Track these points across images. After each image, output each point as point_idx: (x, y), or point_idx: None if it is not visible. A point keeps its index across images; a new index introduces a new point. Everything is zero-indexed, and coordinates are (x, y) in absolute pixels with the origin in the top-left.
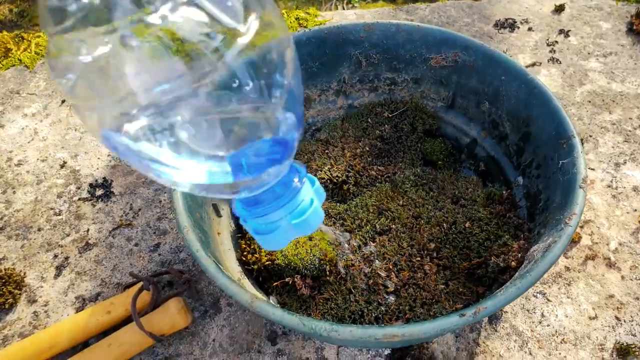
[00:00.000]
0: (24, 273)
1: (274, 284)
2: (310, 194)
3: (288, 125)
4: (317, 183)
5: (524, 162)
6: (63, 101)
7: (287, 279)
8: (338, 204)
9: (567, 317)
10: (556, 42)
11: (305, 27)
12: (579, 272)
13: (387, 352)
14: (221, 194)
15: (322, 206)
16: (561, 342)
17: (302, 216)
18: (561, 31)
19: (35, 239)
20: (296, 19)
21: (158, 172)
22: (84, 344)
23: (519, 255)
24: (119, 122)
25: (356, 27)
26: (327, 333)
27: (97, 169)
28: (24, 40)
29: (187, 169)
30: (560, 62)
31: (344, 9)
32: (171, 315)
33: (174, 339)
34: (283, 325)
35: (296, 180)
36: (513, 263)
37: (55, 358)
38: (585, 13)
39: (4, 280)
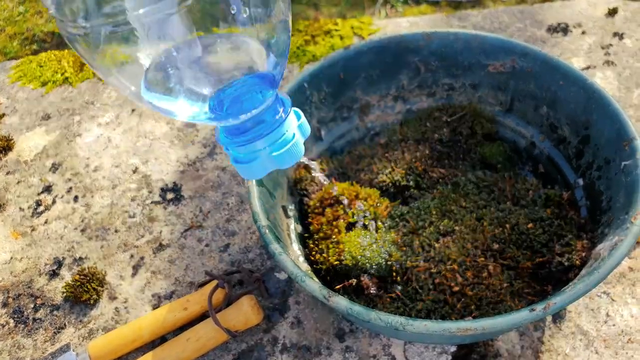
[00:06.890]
0: (105, 272)
1: (338, 286)
2: (294, 127)
3: (273, 58)
4: (303, 118)
5: (584, 164)
6: (133, 110)
7: (351, 280)
8: (401, 205)
9: (632, 317)
10: (610, 45)
11: (360, 35)
12: None
13: (452, 349)
14: (208, 122)
15: (385, 208)
16: (628, 342)
17: (282, 148)
18: (615, 34)
19: (112, 240)
20: (351, 27)
21: (165, 113)
22: (162, 339)
23: (583, 254)
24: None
25: (415, 36)
26: (402, 327)
27: (167, 174)
28: None
29: (179, 110)
30: (615, 65)
31: (387, 14)
32: (245, 312)
33: (246, 336)
34: (360, 320)
35: (281, 110)
36: (577, 262)
37: (136, 351)
38: (639, 15)
39: (88, 278)
